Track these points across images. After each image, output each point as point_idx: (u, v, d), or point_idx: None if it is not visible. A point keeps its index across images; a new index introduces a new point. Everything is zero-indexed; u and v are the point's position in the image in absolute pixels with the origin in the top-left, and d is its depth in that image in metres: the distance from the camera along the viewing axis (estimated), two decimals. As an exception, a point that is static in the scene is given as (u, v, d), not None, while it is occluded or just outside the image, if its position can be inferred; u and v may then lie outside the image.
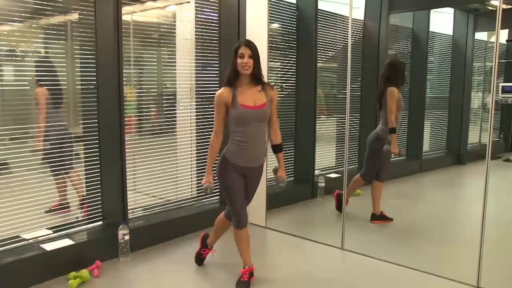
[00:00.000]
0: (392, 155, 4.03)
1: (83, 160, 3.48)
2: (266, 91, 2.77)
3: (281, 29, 4.69)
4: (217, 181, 2.90)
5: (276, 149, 2.93)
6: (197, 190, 4.14)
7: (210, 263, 3.26)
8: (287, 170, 3.44)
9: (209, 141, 2.83)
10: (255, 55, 2.69)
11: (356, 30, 4.75)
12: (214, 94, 2.68)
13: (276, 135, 2.91)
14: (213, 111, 2.66)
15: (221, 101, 2.73)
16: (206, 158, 2.75)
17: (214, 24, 4.06)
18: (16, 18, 2.99)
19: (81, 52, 3.38)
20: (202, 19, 4.07)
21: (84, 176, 3.49)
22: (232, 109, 2.70)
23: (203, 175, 2.86)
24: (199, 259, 3.23)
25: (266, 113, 2.77)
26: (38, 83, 3.37)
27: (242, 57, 2.66)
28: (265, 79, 2.86)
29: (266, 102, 2.76)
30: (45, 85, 3.37)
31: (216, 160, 2.88)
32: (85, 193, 3.54)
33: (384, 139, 3.93)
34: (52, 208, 3.42)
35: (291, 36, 4.74)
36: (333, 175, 4.88)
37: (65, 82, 3.39)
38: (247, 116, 2.71)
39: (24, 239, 3.04)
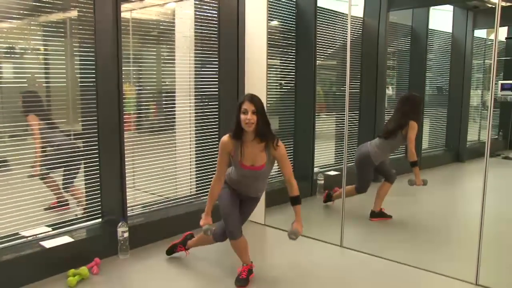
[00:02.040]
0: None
1: (82, 157, 3.48)
2: (269, 151, 2.70)
3: (280, 26, 4.68)
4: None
5: (293, 201, 2.80)
6: (196, 187, 4.14)
7: (210, 260, 3.27)
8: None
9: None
10: (259, 111, 2.59)
11: (355, 27, 4.74)
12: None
13: (292, 188, 2.77)
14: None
15: (225, 150, 2.74)
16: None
17: (213, 22, 4.05)
18: (14, 15, 2.98)
19: (80, 49, 3.37)
20: (202, 17, 4.07)
21: (83, 174, 3.49)
22: (233, 158, 2.74)
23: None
24: (171, 251, 3.30)
25: (263, 174, 2.79)
26: (27, 111, 3.24)
27: (245, 113, 2.58)
28: (272, 126, 2.73)
29: (266, 163, 2.72)
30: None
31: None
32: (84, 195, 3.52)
33: (373, 162, 3.99)
34: (51, 206, 3.42)
35: (290, 34, 4.73)
36: (332, 173, 4.89)
37: (64, 80, 3.38)
38: (244, 174, 2.77)
39: (23, 237, 3.05)
